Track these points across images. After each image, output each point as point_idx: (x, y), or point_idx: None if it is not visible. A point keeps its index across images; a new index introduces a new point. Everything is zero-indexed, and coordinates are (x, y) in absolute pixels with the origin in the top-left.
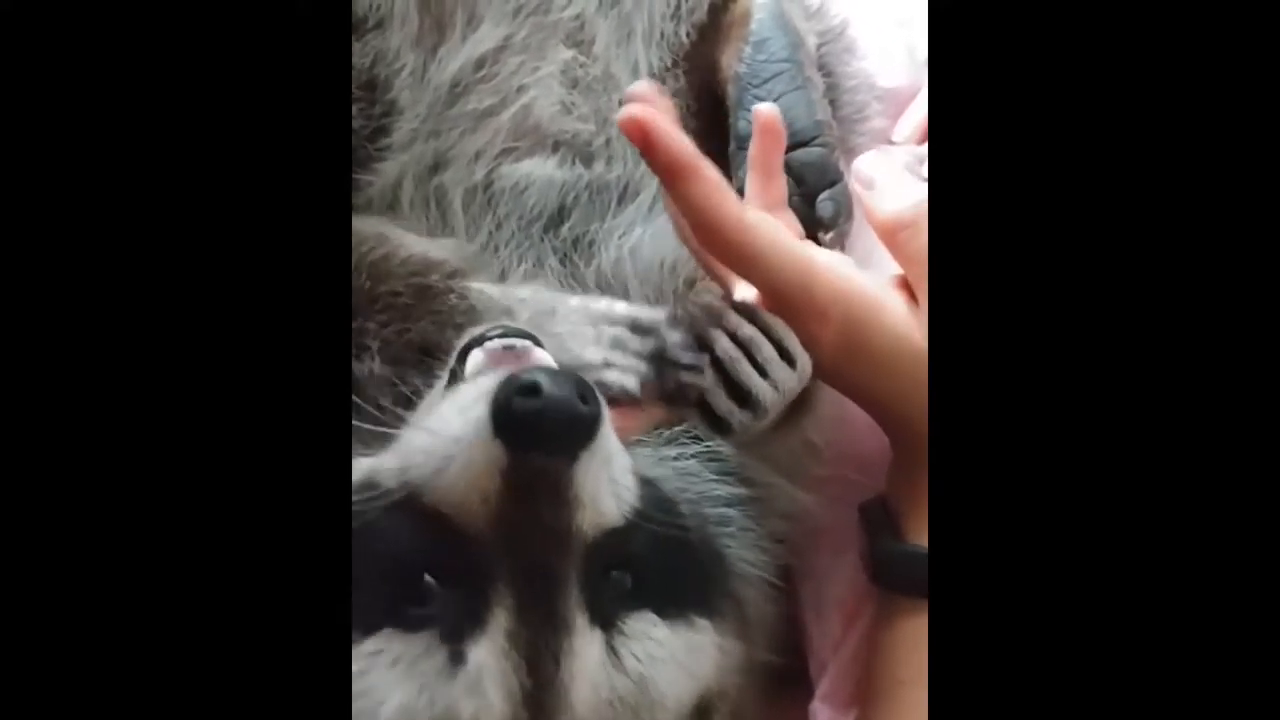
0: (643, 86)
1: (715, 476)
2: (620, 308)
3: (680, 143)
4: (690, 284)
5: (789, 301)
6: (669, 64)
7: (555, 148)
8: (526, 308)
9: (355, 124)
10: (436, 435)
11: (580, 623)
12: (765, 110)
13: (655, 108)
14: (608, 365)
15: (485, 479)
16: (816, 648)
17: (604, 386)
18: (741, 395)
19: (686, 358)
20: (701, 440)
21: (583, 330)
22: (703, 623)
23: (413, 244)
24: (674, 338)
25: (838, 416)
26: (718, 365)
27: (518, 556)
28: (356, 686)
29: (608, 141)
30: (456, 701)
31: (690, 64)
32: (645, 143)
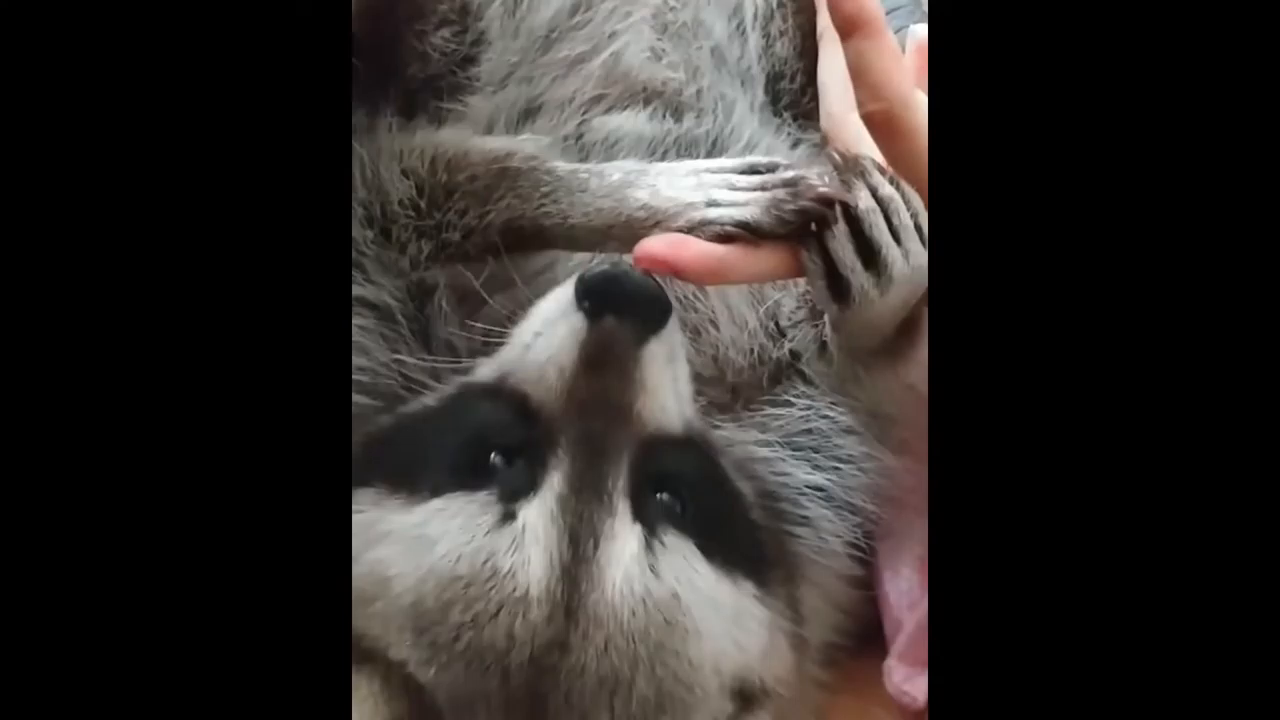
0: None
1: (797, 458)
2: (727, 160)
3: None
4: None
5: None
6: (776, 3)
7: (646, 101)
8: (617, 170)
9: (448, 48)
10: (530, 326)
11: (623, 508)
12: (924, 32)
13: None
14: (713, 204)
15: (565, 350)
16: (892, 606)
17: (710, 225)
18: (869, 253)
19: (821, 180)
20: (789, 405)
21: (682, 180)
22: (747, 585)
23: (489, 139)
24: (805, 170)
25: None
26: (850, 217)
27: (581, 426)
28: (413, 534)
29: (698, 93)
30: (499, 554)
31: (798, 3)
32: None
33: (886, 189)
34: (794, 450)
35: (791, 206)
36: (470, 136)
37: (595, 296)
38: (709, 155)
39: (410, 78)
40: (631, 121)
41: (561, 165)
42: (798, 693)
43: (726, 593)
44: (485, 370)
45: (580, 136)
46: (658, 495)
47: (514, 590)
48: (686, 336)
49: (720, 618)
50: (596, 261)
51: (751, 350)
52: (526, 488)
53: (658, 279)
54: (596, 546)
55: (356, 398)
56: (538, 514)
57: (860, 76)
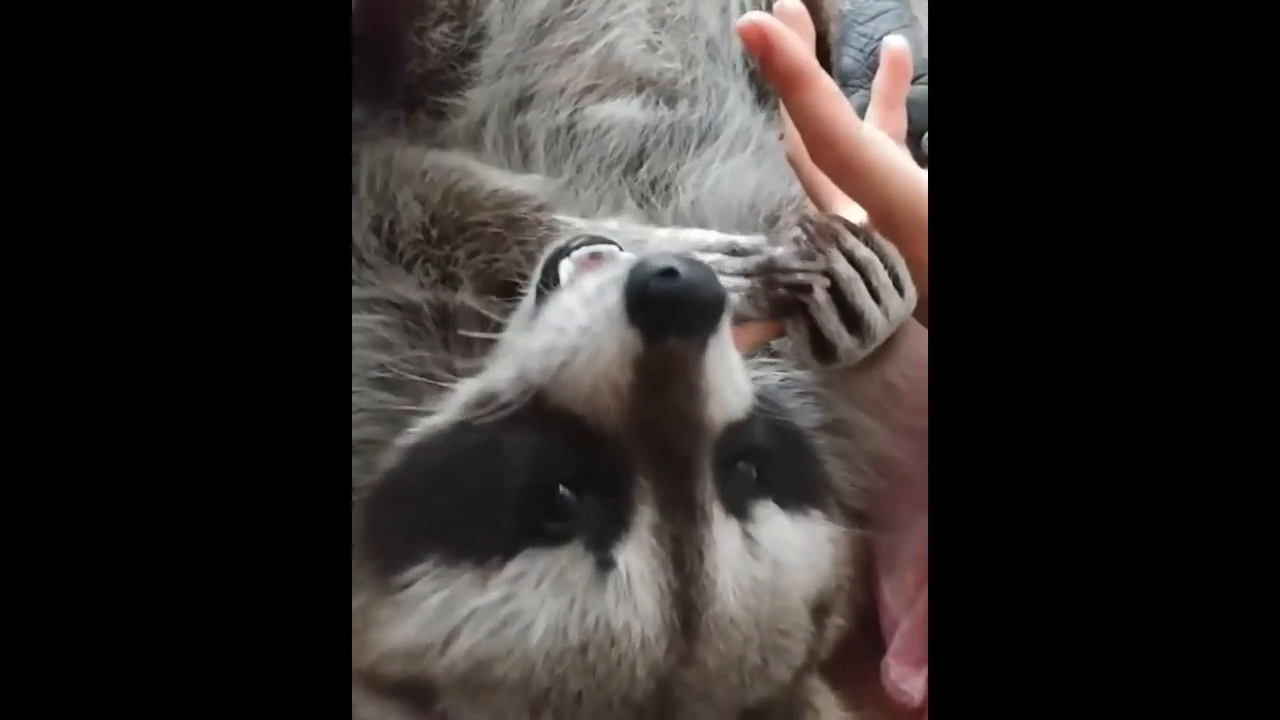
0: (793, 2)
1: (797, 400)
2: (714, 236)
3: (800, 52)
4: (772, 222)
5: (897, 223)
6: (767, 1)
7: (640, 89)
8: (616, 238)
9: (447, 44)
10: (561, 330)
11: (717, 513)
12: (897, 43)
13: (794, 26)
14: None
15: (617, 369)
16: (889, 604)
17: None
18: (853, 319)
19: (799, 264)
20: (784, 369)
21: None
22: (815, 513)
23: (497, 177)
24: (782, 250)
25: (922, 360)
26: (832, 286)
27: (655, 449)
28: (503, 613)
29: (693, 82)
30: (609, 612)
31: None
32: (765, 49)
33: (863, 251)
34: (791, 394)
35: (769, 295)
36: (474, 165)
37: (656, 315)
38: (701, 143)
39: (409, 73)
40: (624, 109)
41: (566, 222)
42: (856, 569)
43: (804, 531)
44: (501, 384)
45: (572, 127)
46: (736, 466)
47: (630, 640)
48: None
49: (803, 556)
50: (641, 262)
51: None
52: (616, 526)
53: (711, 270)
54: (702, 560)
55: (381, 394)
56: (638, 554)
57: (807, 129)
